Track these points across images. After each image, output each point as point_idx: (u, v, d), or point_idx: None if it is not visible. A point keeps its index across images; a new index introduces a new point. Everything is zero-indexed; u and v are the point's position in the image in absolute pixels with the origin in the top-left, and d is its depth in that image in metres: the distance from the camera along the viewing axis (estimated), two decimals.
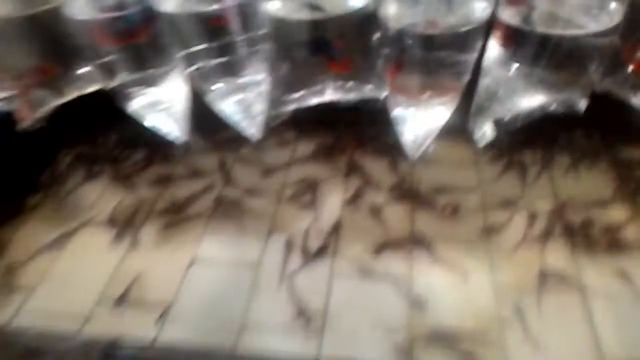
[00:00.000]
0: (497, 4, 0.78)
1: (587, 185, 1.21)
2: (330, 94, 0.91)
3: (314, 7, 0.82)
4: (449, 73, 0.82)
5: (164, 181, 1.33)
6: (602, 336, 0.91)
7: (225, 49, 0.83)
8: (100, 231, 1.21)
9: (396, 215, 1.17)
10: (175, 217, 1.23)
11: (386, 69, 0.85)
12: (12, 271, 1.13)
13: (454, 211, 1.17)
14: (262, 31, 0.83)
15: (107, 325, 1.00)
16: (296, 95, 0.90)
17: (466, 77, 0.84)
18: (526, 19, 0.76)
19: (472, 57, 0.82)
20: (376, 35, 0.84)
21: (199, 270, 1.10)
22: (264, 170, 1.34)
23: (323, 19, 0.82)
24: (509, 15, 0.78)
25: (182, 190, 1.30)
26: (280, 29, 0.83)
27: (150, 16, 0.83)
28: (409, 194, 1.22)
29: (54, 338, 0.99)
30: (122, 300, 1.05)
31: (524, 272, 1.02)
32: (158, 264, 1.12)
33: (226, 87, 0.88)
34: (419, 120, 0.89)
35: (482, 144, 0.92)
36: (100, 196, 1.31)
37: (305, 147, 1.40)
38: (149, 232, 1.20)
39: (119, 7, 0.82)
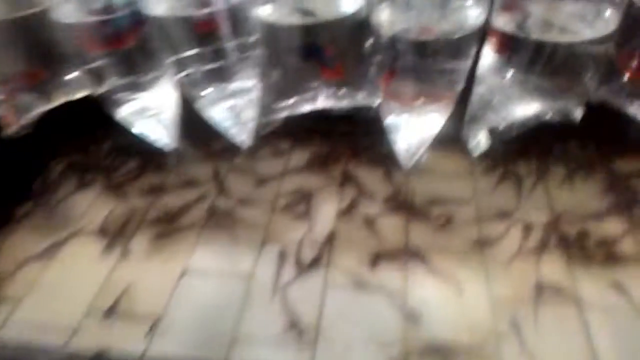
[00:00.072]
0: (491, 10, 0.77)
1: (583, 197, 1.20)
2: (322, 101, 0.89)
3: (306, 13, 0.82)
4: (442, 80, 0.81)
5: (156, 191, 1.32)
6: (598, 349, 0.90)
7: (215, 55, 0.82)
8: (90, 241, 1.19)
9: (391, 227, 1.16)
10: (167, 227, 1.21)
11: (379, 75, 0.84)
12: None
13: (449, 223, 1.16)
14: (252, 37, 0.82)
15: (95, 338, 0.98)
16: (288, 102, 0.89)
17: (460, 85, 0.83)
18: (521, 25, 0.76)
19: (466, 64, 0.81)
20: (369, 42, 0.83)
21: (191, 282, 1.08)
22: (257, 180, 1.33)
23: (315, 25, 0.81)
24: (503, 22, 0.77)
25: (174, 200, 1.28)
26: (272, 34, 0.82)
27: (139, 20, 0.82)
28: (403, 205, 1.21)
29: (40, 351, 0.97)
30: (111, 312, 1.03)
31: (519, 285, 1.01)
32: (149, 274, 1.10)
33: (216, 94, 0.87)
34: (413, 128, 0.88)
35: (476, 153, 0.91)
36: (91, 205, 1.30)
37: (299, 157, 1.39)
38: (140, 242, 1.18)
39: (107, 10, 0.81)
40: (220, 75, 0.84)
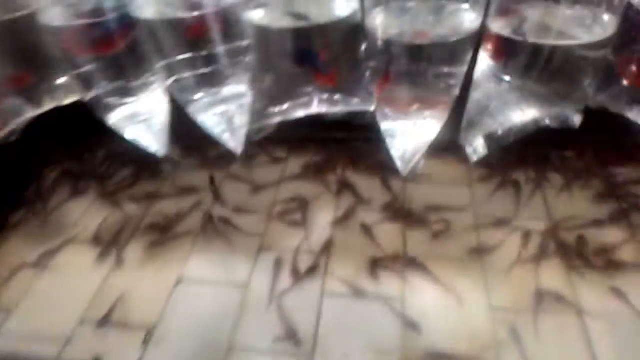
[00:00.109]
0: (487, 15, 0.77)
1: (581, 204, 1.20)
2: (316, 107, 0.88)
3: (299, 16, 0.80)
4: (438, 85, 0.80)
5: (151, 198, 1.31)
6: (600, 357, 0.89)
7: (206, 60, 0.81)
8: (84, 249, 1.18)
9: (388, 235, 1.15)
10: (162, 235, 1.20)
11: (374, 81, 0.83)
12: None
13: (447, 230, 1.15)
14: (244, 41, 0.80)
15: (89, 347, 0.97)
16: (281, 107, 0.88)
17: (456, 90, 0.83)
18: (517, 30, 0.75)
19: (462, 69, 0.80)
20: (363, 46, 0.82)
21: (186, 290, 1.07)
22: (253, 187, 1.33)
23: (308, 29, 0.80)
24: (499, 27, 0.77)
25: (169, 207, 1.27)
26: (264, 38, 0.81)
27: (129, 24, 0.80)
28: (401, 212, 1.21)
29: None
30: (105, 321, 1.01)
31: (519, 293, 1.00)
32: (143, 283, 1.09)
33: (208, 99, 0.85)
34: (408, 135, 0.87)
35: (473, 160, 0.90)
36: (85, 213, 1.29)
37: (296, 165, 1.39)
38: (134, 251, 1.17)
39: (96, 13, 0.80)
40: (212, 81, 0.83)
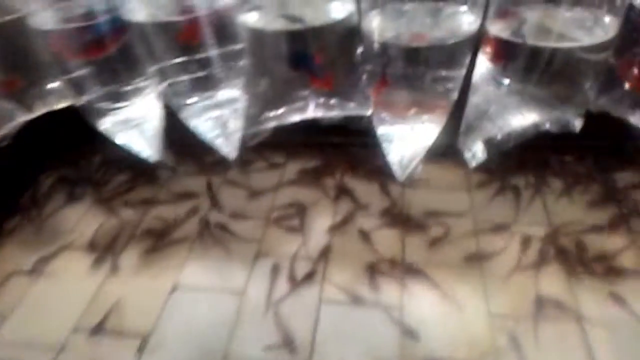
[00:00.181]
0: (485, 17, 0.76)
1: (581, 210, 1.19)
2: (312, 111, 0.87)
3: (294, 19, 0.79)
4: (436, 89, 0.79)
5: (147, 204, 1.30)
6: None
7: (199, 63, 0.79)
8: (79, 256, 1.17)
9: (387, 240, 1.14)
10: (158, 241, 1.19)
11: (370, 84, 0.82)
12: None
13: (446, 236, 1.14)
14: (238, 44, 0.79)
15: (83, 355, 0.96)
16: (276, 112, 0.87)
17: (454, 94, 0.81)
18: (517, 32, 0.74)
19: (461, 72, 0.79)
20: (359, 49, 0.81)
21: (181, 297, 1.06)
22: (251, 193, 1.32)
23: (303, 31, 0.78)
24: (498, 29, 0.76)
25: (165, 214, 1.26)
26: (258, 41, 0.80)
27: (121, 27, 0.79)
28: (399, 218, 1.20)
29: None
30: (99, 328, 1.00)
31: (518, 299, 0.99)
32: (138, 290, 1.07)
33: (201, 104, 0.84)
34: (406, 139, 0.86)
35: (472, 165, 0.89)
36: (81, 219, 1.28)
37: (293, 170, 1.38)
38: (129, 257, 1.15)
39: (87, 17, 0.78)
40: (205, 85, 0.82)
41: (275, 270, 1.09)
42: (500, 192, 1.25)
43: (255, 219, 1.23)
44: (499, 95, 0.81)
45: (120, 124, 0.88)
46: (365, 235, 1.16)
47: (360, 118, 0.88)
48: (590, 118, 0.85)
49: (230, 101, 0.83)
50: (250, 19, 0.81)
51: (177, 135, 1.01)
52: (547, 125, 0.82)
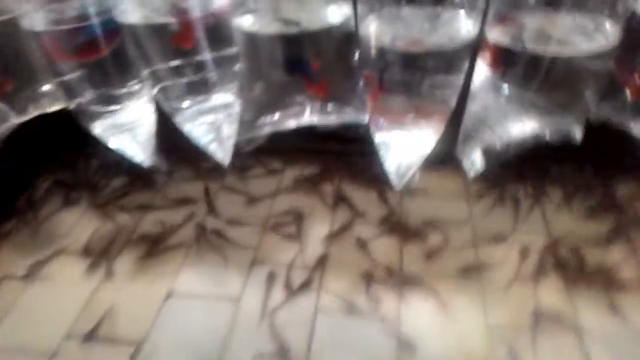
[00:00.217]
0: (484, 22, 0.75)
1: (580, 220, 1.18)
2: (308, 117, 0.86)
3: (290, 23, 0.78)
4: (434, 96, 0.78)
5: (143, 209, 1.29)
6: None
7: (193, 67, 0.78)
8: (74, 260, 1.16)
9: (384, 249, 1.13)
10: (153, 247, 1.18)
11: (367, 90, 0.81)
12: None
13: (444, 246, 1.13)
14: (233, 48, 0.78)
15: None
16: (271, 118, 0.86)
17: (453, 101, 0.80)
18: (516, 38, 0.73)
19: (459, 78, 0.78)
20: (356, 54, 0.80)
21: (176, 305, 1.04)
22: (248, 199, 1.31)
23: (299, 35, 0.78)
24: (497, 35, 0.75)
25: (161, 219, 1.25)
26: (253, 45, 0.79)
27: (114, 29, 0.78)
28: (397, 227, 1.19)
29: None
30: (91, 335, 0.99)
31: (517, 311, 0.98)
32: (132, 296, 1.06)
33: (195, 108, 0.83)
34: (403, 147, 0.84)
35: (471, 173, 0.88)
36: (76, 224, 1.26)
37: (291, 177, 1.37)
38: (124, 263, 1.14)
39: (80, 18, 0.78)
40: (199, 89, 0.81)
41: (271, 278, 1.08)
42: (500, 201, 1.24)
43: (252, 225, 1.22)
44: (498, 102, 0.80)
45: (113, 127, 0.87)
46: (362, 244, 1.15)
47: (357, 125, 0.87)
48: (590, 127, 0.84)
49: (225, 106, 0.83)
50: (245, 22, 0.80)
51: (174, 140, 1.00)
52: (547, 134, 0.81)
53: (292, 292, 1.05)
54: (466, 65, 0.78)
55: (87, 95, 0.84)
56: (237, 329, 0.98)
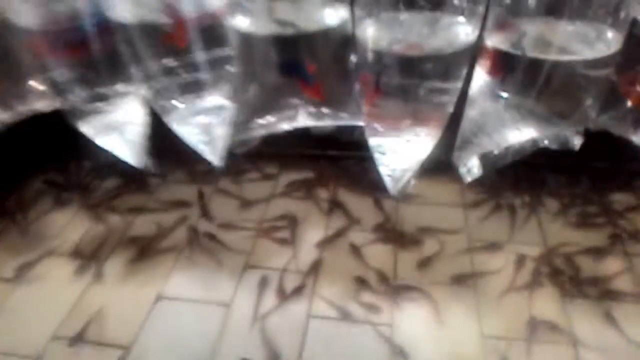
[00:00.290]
0: (483, 28, 0.74)
1: (576, 231, 1.17)
2: (303, 120, 0.84)
3: (285, 24, 0.77)
4: (431, 101, 0.77)
5: (135, 212, 1.27)
6: None
7: (186, 67, 0.77)
8: (63, 262, 1.14)
9: (379, 256, 1.12)
10: (144, 250, 1.16)
11: (363, 94, 0.80)
12: None
13: (439, 253, 1.12)
14: (227, 49, 0.77)
15: None
16: (265, 120, 0.84)
17: (450, 107, 0.79)
18: (516, 44, 0.72)
19: (457, 84, 0.77)
20: (353, 58, 0.79)
21: (166, 308, 1.03)
22: (242, 203, 1.29)
23: (295, 37, 0.76)
24: (497, 41, 0.74)
25: (154, 221, 1.23)
26: (248, 46, 0.77)
27: (105, 28, 0.77)
28: (392, 234, 1.18)
29: None
30: (78, 338, 0.97)
31: (512, 321, 0.97)
32: (121, 299, 1.04)
33: (187, 109, 0.82)
34: (398, 152, 0.83)
35: (467, 180, 0.87)
36: (67, 225, 1.25)
37: (286, 181, 1.36)
38: (114, 265, 1.13)
39: (70, 16, 0.76)
40: (192, 90, 0.79)
41: (263, 282, 1.06)
42: (496, 209, 1.23)
43: (245, 229, 1.21)
44: (496, 109, 0.79)
45: (103, 127, 0.86)
46: (357, 250, 1.14)
47: (352, 129, 0.86)
48: (588, 137, 0.83)
49: (218, 107, 0.81)
50: (241, 23, 0.79)
51: (168, 142, 0.99)
52: (546, 142, 0.80)
53: (285, 297, 1.03)
54: (465, 71, 0.77)
55: (78, 94, 0.82)
56: (228, 333, 0.97)
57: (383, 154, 0.84)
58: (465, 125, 0.83)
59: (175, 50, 0.76)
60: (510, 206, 1.23)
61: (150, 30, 0.75)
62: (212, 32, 0.76)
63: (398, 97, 0.77)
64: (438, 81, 0.75)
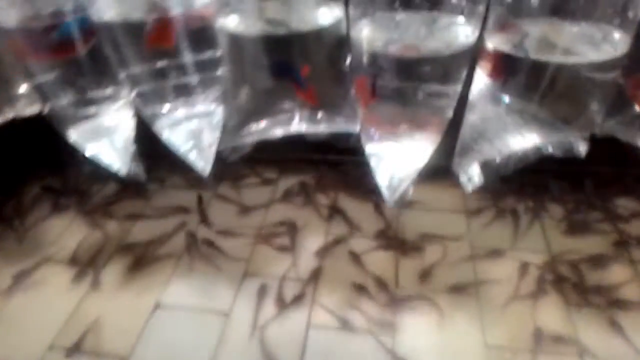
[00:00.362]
0: (484, 28, 0.72)
1: (581, 237, 1.15)
2: (297, 125, 0.82)
3: (277, 23, 0.75)
4: (429, 105, 0.74)
5: (133, 218, 1.26)
6: None
7: (173, 70, 0.75)
8: (60, 269, 1.13)
9: (380, 264, 1.10)
10: (142, 257, 1.14)
11: (359, 97, 0.77)
12: None
13: (441, 261, 1.10)
14: (217, 50, 0.74)
15: None
16: (257, 125, 0.82)
17: (449, 111, 0.77)
18: (518, 46, 0.70)
19: (456, 87, 0.75)
20: (348, 59, 0.77)
21: (163, 317, 1.01)
22: (241, 209, 1.28)
23: (287, 37, 0.74)
24: (498, 42, 0.72)
25: (152, 228, 1.22)
26: (238, 47, 0.75)
27: (90, 28, 0.75)
28: (393, 241, 1.16)
29: None
30: (75, 348, 0.95)
31: (516, 330, 0.95)
32: (119, 308, 1.03)
33: (174, 114, 0.79)
34: (396, 159, 0.81)
35: (468, 188, 0.85)
36: (64, 231, 1.23)
37: (286, 187, 1.34)
38: (112, 273, 1.11)
39: (54, 16, 0.74)
40: (180, 94, 0.77)
41: (262, 291, 1.05)
42: (499, 216, 1.21)
43: (244, 236, 1.19)
44: (497, 113, 0.76)
45: (89, 133, 0.84)
46: (357, 258, 1.12)
47: (347, 135, 0.84)
48: (593, 141, 0.81)
49: (207, 112, 0.79)
50: (230, 22, 0.77)
51: (164, 146, 0.97)
52: (550, 149, 0.77)
53: (284, 306, 1.02)
54: (464, 73, 0.75)
55: (63, 98, 0.80)
56: (227, 343, 0.95)
57: (379, 161, 0.82)
58: (466, 130, 0.80)
59: (162, 51, 0.74)
60: (513, 212, 1.21)
61: (136, 30, 0.73)
62: (200, 33, 0.74)
63: (395, 101, 0.74)
64: (436, 84, 0.73)
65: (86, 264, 1.13)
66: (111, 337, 0.97)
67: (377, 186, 0.87)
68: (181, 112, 0.80)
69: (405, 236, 1.17)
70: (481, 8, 0.71)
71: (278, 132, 0.83)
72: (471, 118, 0.79)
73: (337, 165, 1.36)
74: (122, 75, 0.79)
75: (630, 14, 0.67)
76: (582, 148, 0.77)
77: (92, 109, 0.83)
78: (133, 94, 0.80)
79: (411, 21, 0.74)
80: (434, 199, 1.26)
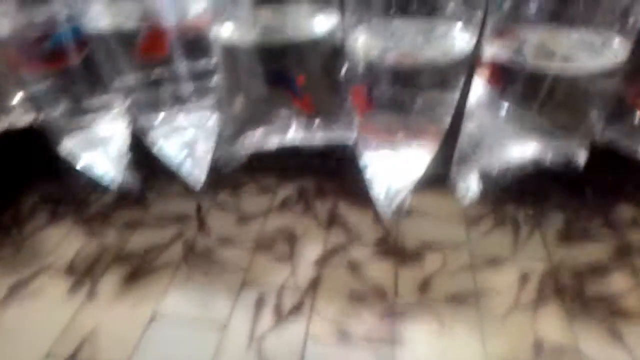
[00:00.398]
0: (482, 36, 0.71)
1: (582, 245, 1.14)
2: (293, 135, 0.81)
3: (272, 31, 0.74)
4: (426, 113, 0.74)
5: (131, 227, 1.25)
6: None
7: (167, 78, 0.74)
8: (56, 280, 1.12)
9: (379, 273, 1.09)
10: (140, 267, 1.14)
11: (355, 106, 0.77)
12: None
13: (441, 270, 1.09)
14: (211, 59, 0.74)
15: None
16: (253, 135, 0.81)
17: (446, 120, 0.76)
18: (517, 53, 0.69)
19: (453, 95, 0.74)
20: (344, 68, 0.76)
21: (160, 328, 1.00)
22: (240, 217, 1.27)
23: (283, 45, 0.74)
24: (496, 50, 0.71)
25: (149, 237, 1.21)
26: (233, 56, 0.74)
27: (83, 38, 0.74)
28: (393, 249, 1.15)
29: None
30: (71, 359, 0.94)
31: (517, 341, 0.94)
32: (115, 319, 1.02)
33: (168, 123, 0.79)
34: (392, 168, 0.80)
35: (466, 198, 0.84)
36: (62, 241, 1.23)
37: (285, 196, 1.33)
38: (109, 283, 1.10)
39: (46, 25, 0.73)
40: (173, 103, 0.76)
41: (260, 301, 1.04)
42: (499, 224, 1.20)
43: (242, 245, 1.18)
44: (496, 122, 0.76)
45: (82, 144, 0.83)
46: (356, 267, 1.11)
47: (344, 144, 0.83)
48: (593, 148, 0.80)
49: (201, 121, 0.78)
50: (225, 31, 0.76)
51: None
52: (548, 161, 0.76)
53: (282, 317, 1.01)
54: (462, 81, 0.74)
55: (57, 108, 0.80)
56: (224, 354, 0.94)
57: (376, 170, 0.82)
58: (464, 139, 0.80)
59: (156, 60, 0.73)
60: (513, 220, 1.20)
61: (129, 39, 0.72)
62: (195, 41, 0.74)
63: (391, 109, 0.74)
64: (433, 92, 0.72)
65: (83, 274, 1.12)
66: (107, 348, 0.96)
67: (374, 196, 0.86)
68: (175, 121, 0.79)
69: (404, 245, 1.16)
70: (479, 14, 0.71)
71: (274, 140, 0.82)
72: (469, 126, 0.79)
73: (336, 173, 1.35)
74: (115, 84, 0.78)
75: (631, 20, 0.66)
76: (581, 157, 0.77)
77: (85, 119, 0.82)
78: (127, 103, 0.79)
79: (408, 28, 0.74)
80: (434, 207, 1.25)
